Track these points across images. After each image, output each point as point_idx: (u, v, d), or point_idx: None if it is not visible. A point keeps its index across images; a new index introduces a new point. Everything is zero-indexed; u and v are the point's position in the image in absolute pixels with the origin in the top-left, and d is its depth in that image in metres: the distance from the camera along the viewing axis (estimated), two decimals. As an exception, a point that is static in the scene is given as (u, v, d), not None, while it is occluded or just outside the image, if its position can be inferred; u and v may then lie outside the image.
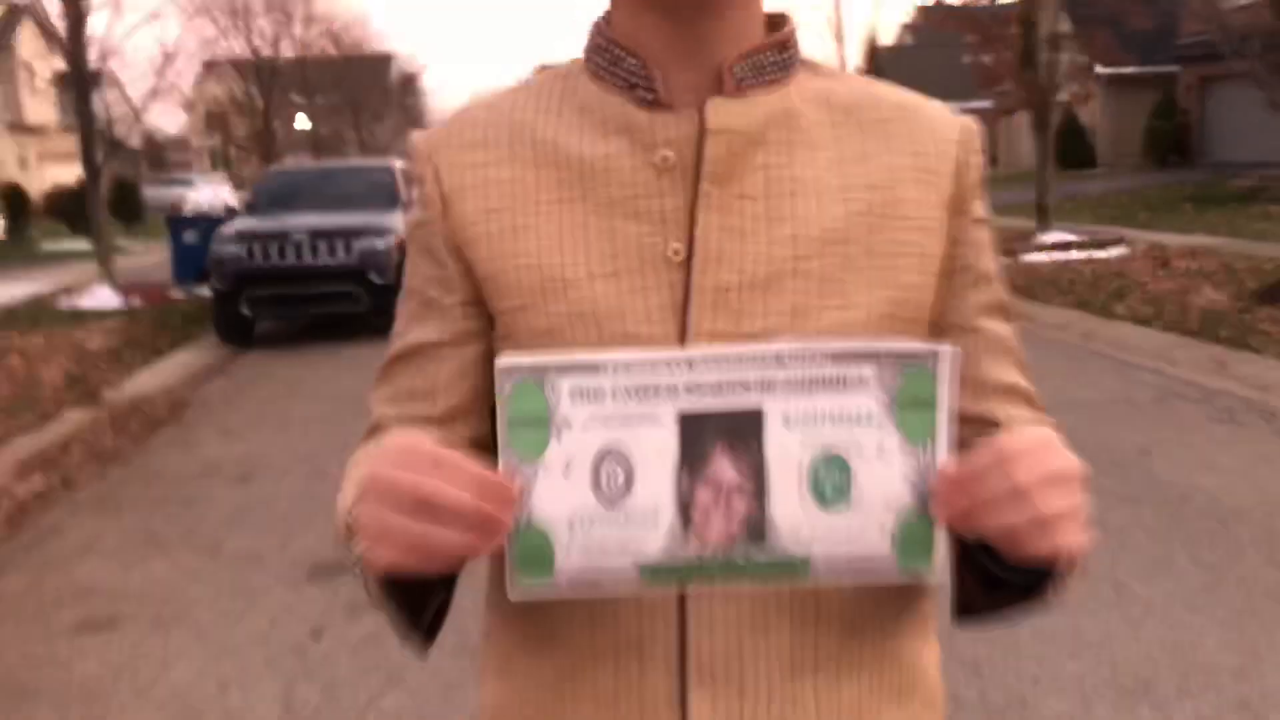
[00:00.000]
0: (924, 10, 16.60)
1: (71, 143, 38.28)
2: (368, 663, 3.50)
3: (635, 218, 0.84)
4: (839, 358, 0.70)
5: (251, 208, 11.58)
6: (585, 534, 0.70)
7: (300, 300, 10.33)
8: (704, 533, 0.70)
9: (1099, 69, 28.25)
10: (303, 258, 10.13)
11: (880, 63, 45.18)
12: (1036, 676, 3.18)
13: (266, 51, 26.69)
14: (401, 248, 10.96)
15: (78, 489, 5.78)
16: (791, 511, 0.70)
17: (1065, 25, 17.73)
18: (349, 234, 10.20)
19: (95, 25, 12.05)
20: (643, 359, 0.70)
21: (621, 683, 0.85)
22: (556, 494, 0.70)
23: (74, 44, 11.87)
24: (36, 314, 11.45)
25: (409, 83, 45.19)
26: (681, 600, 0.83)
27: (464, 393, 0.90)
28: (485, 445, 0.81)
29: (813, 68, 0.90)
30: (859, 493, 0.71)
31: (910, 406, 0.70)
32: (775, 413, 0.70)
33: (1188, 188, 20.58)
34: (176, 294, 12.73)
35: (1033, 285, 10.80)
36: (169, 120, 49.15)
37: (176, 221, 13.69)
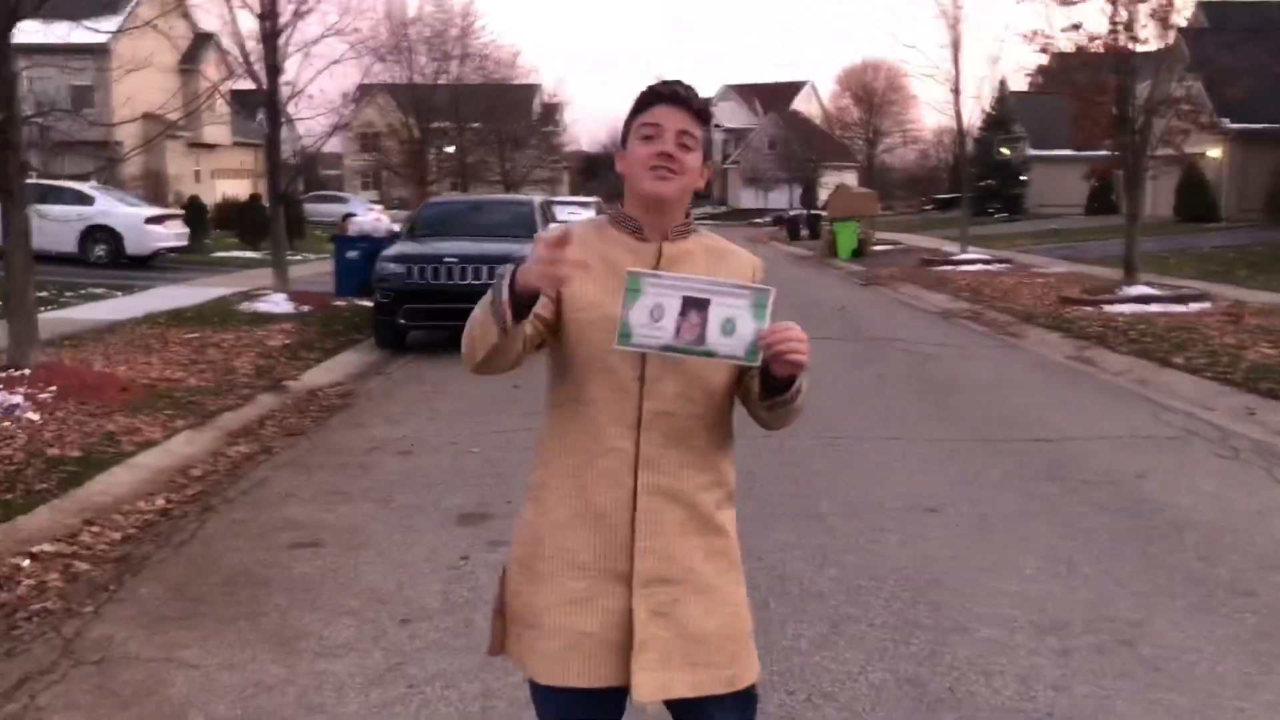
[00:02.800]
0: (1041, 69, 17.40)
1: (239, 158, 41.02)
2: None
3: (620, 280, 2.06)
4: (737, 286, 1.97)
5: (411, 233, 13.30)
6: (645, 331, 1.96)
7: (448, 314, 11.90)
8: (682, 335, 1.95)
9: (1227, 123, 28.37)
10: (452, 278, 11.72)
11: (1008, 108, 45.44)
12: (980, 614, 4.34)
13: (423, 83, 28.85)
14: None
15: (276, 454, 7.32)
16: (714, 336, 1.96)
17: (1189, 82, 18.30)
18: (492, 260, 11.75)
19: (287, 69, 13.90)
20: (673, 278, 1.96)
21: (607, 466, 2.08)
22: (638, 316, 1.95)
23: (271, 82, 13.77)
24: (224, 314, 13.31)
25: (550, 114, 47.43)
26: (634, 449, 2.05)
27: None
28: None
29: (698, 232, 2.18)
30: (738, 332, 1.96)
31: (756, 305, 1.95)
32: (714, 301, 1.96)
33: (1300, 247, 20.78)
34: (339, 303, 14.49)
35: (1106, 334, 11.69)
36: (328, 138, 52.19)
37: (342, 240, 15.54)
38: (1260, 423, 7.86)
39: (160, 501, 6.05)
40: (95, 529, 5.45)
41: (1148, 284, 14.76)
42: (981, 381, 9.80)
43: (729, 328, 1.93)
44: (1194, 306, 13.18)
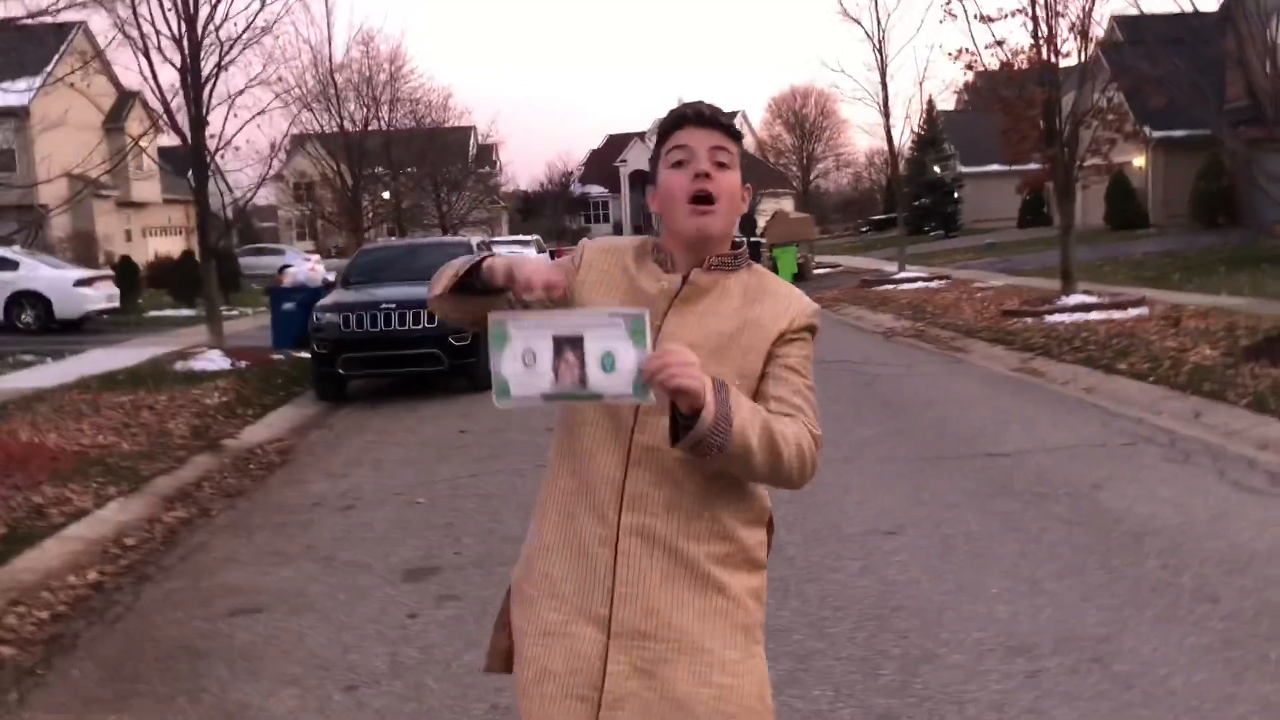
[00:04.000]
0: (968, 86, 17.67)
1: (169, 215, 40.38)
2: (452, 633, 4.66)
3: (641, 301, 1.90)
4: (610, 315, 1.76)
5: (346, 281, 13.06)
6: (522, 380, 1.76)
7: (388, 362, 11.69)
8: (561, 379, 1.76)
9: (1149, 132, 29.00)
10: (390, 325, 11.50)
11: (938, 128, 46.19)
12: (948, 640, 4.23)
13: (354, 130, 28.61)
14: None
15: (213, 517, 7.06)
16: (595, 375, 1.76)
17: (1111, 93, 18.64)
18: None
19: (212, 121, 13.65)
20: (536, 317, 1.76)
21: (596, 499, 1.91)
22: (510, 365, 1.75)
23: (195, 136, 13.50)
24: (158, 375, 12.93)
25: (485, 154, 47.30)
26: (621, 483, 1.89)
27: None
28: None
29: (752, 269, 2.00)
30: (619, 366, 1.76)
31: (633, 333, 1.74)
32: (587, 336, 1.75)
33: (1227, 249, 21.23)
34: (277, 357, 14.18)
35: (1049, 344, 11.76)
36: (259, 190, 51.66)
37: (278, 292, 15.24)
38: (1207, 425, 7.88)
39: (92, 574, 5.77)
40: (20, 609, 5.16)
41: (1086, 292, 14.92)
42: (930, 399, 9.77)
43: (608, 363, 1.73)
44: (1132, 312, 13.32)
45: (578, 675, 1.89)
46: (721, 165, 1.93)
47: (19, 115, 27.57)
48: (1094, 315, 13.38)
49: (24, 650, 4.70)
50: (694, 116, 1.95)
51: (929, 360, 12.55)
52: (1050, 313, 13.93)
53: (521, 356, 1.74)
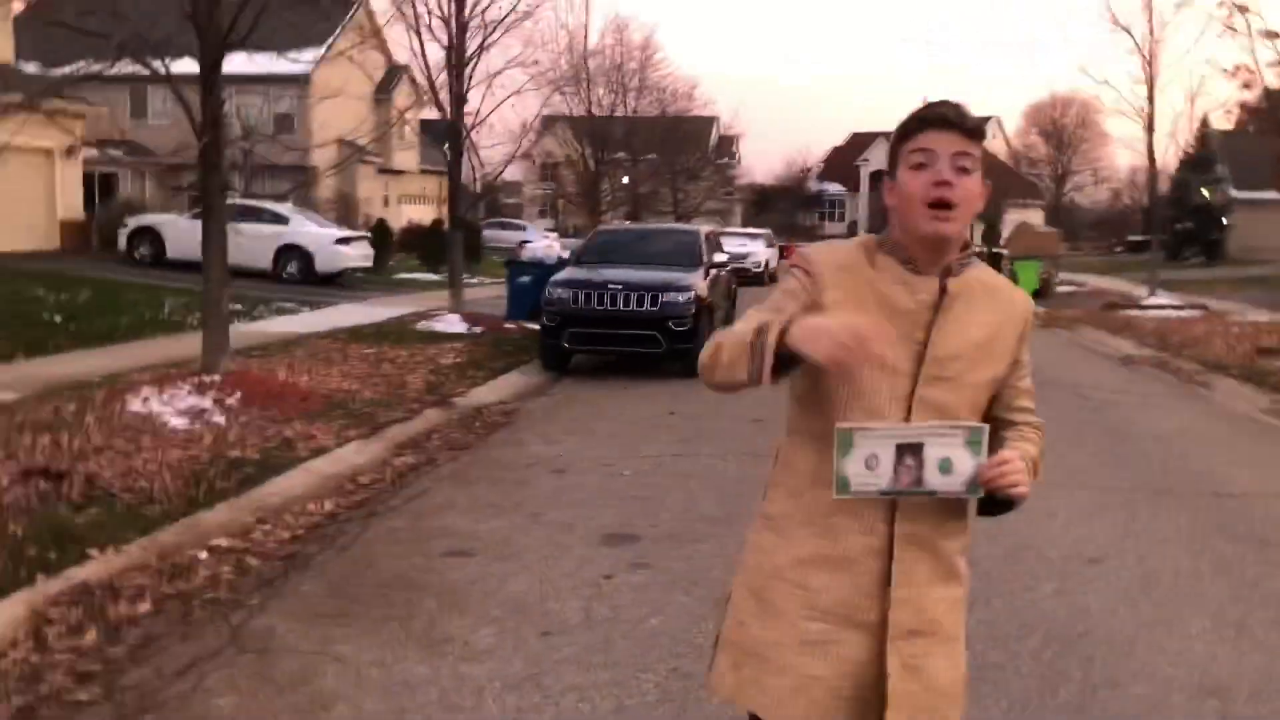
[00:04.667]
0: (1245, 106, 16.50)
1: (424, 185, 42.73)
2: (641, 597, 4.90)
3: (899, 319, 1.96)
4: (949, 427, 1.93)
5: (580, 260, 13.61)
6: (862, 479, 1.93)
7: (610, 339, 12.14)
8: (900, 479, 1.93)
9: None
10: (616, 304, 11.93)
11: (1210, 148, 43.13)
12: (1135, 671, 4.12)
13: (601, 114, 29.54)
14: (699, 300, 12.50)
15: (438, 466, 7.59)
16: (931, 476, 1.92)
17: None
18: (655, 288, 11.91)
19: (471, 99, 14.48)
20: (886, 429, 1.91)
21: (861, 511, 1.97)
22: (853, 467, 1.90)
23: (455, 111, 14.37)
24: (401, 332, 13.90)
25: (725, 146, 47.76)
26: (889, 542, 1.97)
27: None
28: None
29: (974, 264, 2.05)
30: (956, 470, 1.92)
31: (970, 443, 1.91)
32: (928, 444, 1.91)
33: None
34: (509, 326, 14.93)
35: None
36: (507, 169, 53.95)
37: (515, 266, 16.02)
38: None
39: (328, 505, 6.35)
40: (266, 527, 5.77)
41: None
42: (1160, 431, 9.32)
43: (945, 466, 1.91)
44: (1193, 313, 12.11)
45: (845, 679, 1.98)
46: (963, 170, 1.95)
47: (301, 83, 29.92)
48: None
49: (266, 562, 5.27)
50: (938, 120, 1.95)
51: (1167, 393, 11.92)
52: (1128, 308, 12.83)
53: (865, 461, 1.91)
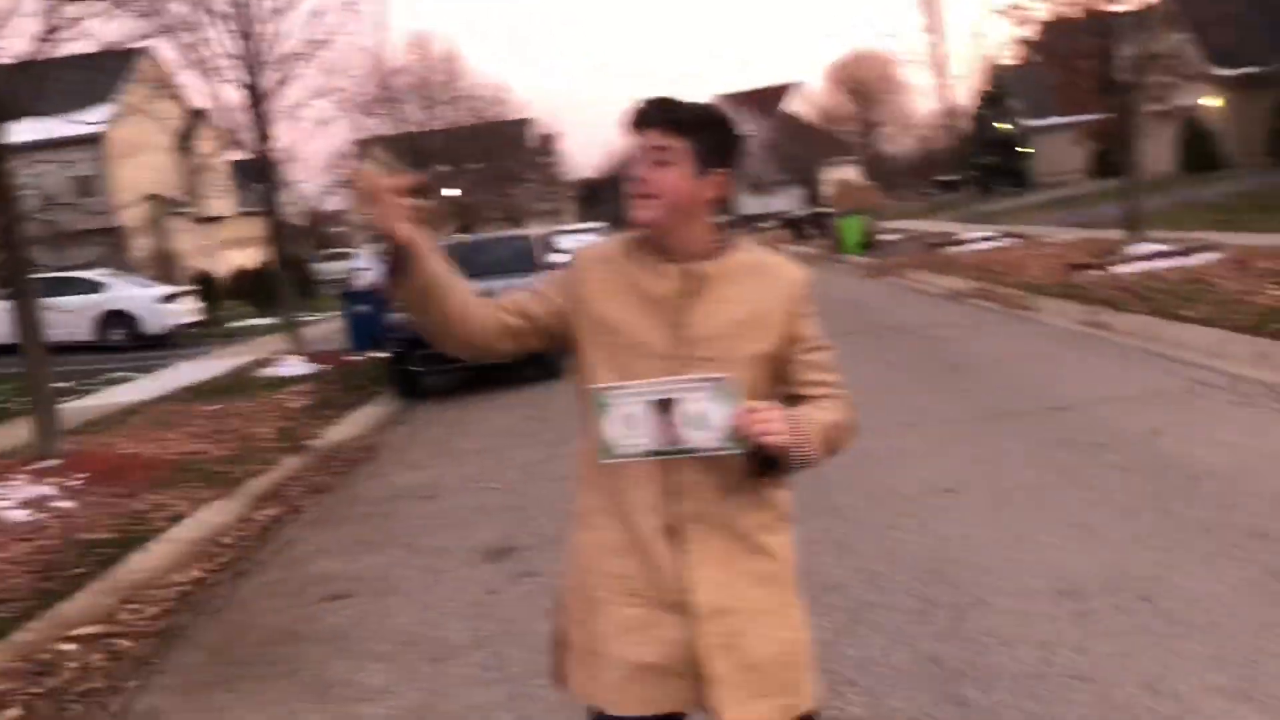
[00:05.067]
0: (1021, 41, 17.38)
1: (246, 228, 41.39)
2: (530, 607, 4.90)
3: (655, 304, 2.04)
4: (700, 380, 1.97)
5: (415, 280, 13.43)
6: (626, 440, 1.98)
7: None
8: (660, 437, 1.98)
9: (1221, 71, 28.23)
10: (460, 319, 11.84)
11: (1002, 84, 45.36)
12: (999, 587, 4.38)
13: (415, 130, 29.19)
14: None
15: (302, 513, 7.44)
16: (689, 432, 1.97)
17: (1174, 36, 18.27)
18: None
19: (277, 135, 14.14)
20: (635, 387, 1.97)
21: (644, 494, 2.03)
22: (614, 429, 1.97)
23: (261, 148, 14.01)
24: (243, 383, 13.48)
25: (546, 145, 47.79)
26: (661, 476, 2.01)
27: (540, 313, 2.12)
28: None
29: (741, 247, 2.11)
30: (711, 423, 1.96)
31: (719, 394, 1.94)
32: (679, 399, 1.96)
33: (1303, 186, 20.67)
34: (355, 358, 14.65)
35: (1115, 296, 11.68)
36: (329, 196, 52.68)
37: (350, 296, 15.72)
38: (1273, 366, 7.84)
39: (195, 572, 6.16)
40: (133, 606, 5.57)
41: (1154, 241, 14.73)
42: (993, 358, 9.83)
43: (700, 421, 1.94)
44: (1201, 258, 13.13)
45: (674, 661, 2.02)
46: (662, 164, 2.03)
47: (96, 143, 28.62)
48: (1161, 264, 13.22)
49: (138, 642, 5.09)
50: (638, 118, 2.07)
51: (995, 320, 12.55)
52: (1118, 264, 13.80)
53: (624, 420, 1.96)
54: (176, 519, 7.14)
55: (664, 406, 1.94)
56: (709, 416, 1.93)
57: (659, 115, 2.05)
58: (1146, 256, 13.79)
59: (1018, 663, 3.69)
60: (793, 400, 2.06)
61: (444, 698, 4.06)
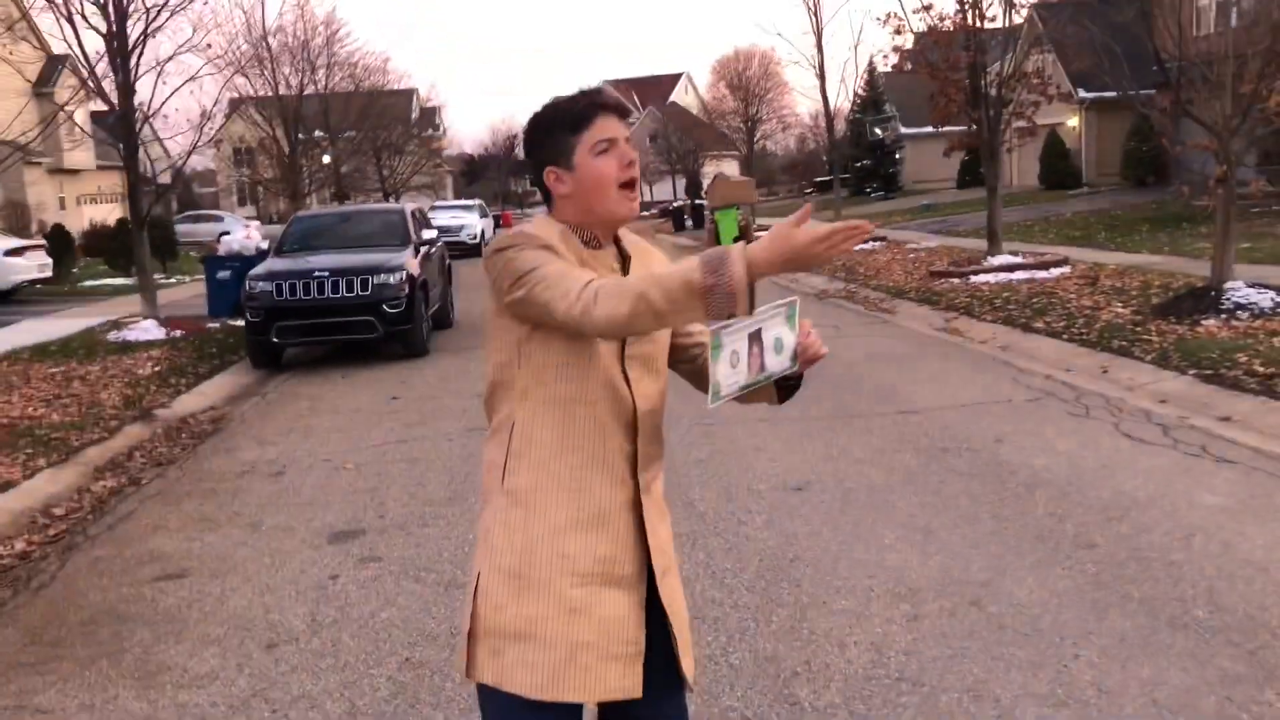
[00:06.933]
0: (899, 50, 17.81)
1: (105, 182, 39.58)
2: (371, 593, 4.83)
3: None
4: (778, 306, 1.99)
5: (281, 249, 13.05)
6: (728, 380, 1.94)
7: (322, 329, 11.75)
8: (752, 370, 1.97)
9: (1081, 93, 29.47)
10: (324, 293, 11.55)
11: (879, 90, 46.48)
12: (839, 587, 4.47)
13: (290, 94, 28.29)
14: (412, 280, 12.30)
15: (143, 486, 7.14)
16: (770, 359, 1.99)
17: (1040, 56, 18.95)
18: (365, 271, 11.62)
19: (141, 88, 13.50)
20: (739, 322, 1.88)
21: (613, 467, 2.04)
22: (723, 370, 1.92)
23: (124, 103, 13.37)
24: (91, 345, 12.88)
25: (427, 118, 46.92)
26: (633, 452, 2.05)
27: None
28: None
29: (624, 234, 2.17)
30: (785, 347, 2.01)
31: (790, 317, 2.00)
32: (764, 328, 1.97)
33: (1152, 208, 21.75)
34: (213, 326, 14.15)
35: (972, 304, 12.09)
36: (197, 157, 50.86)
37: (212, 261, 15.17)
38: (1112, 380, 8.22)
39: (19, 545, 5.86)
40: (-54, 580, 5.26)
41: (1012, 253, 15.29)
42: (851, 359, 10.04)
43: (779, 345, 2.01)
44: (1055, 272, 13.69)
45: (611, 640, 2.01)
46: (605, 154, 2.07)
47: (-58, 81, 26.87)
48: (1018, 275, 13.74)
49: (-51, 618, 4.80)
50: (615, 106, 2.07)
51: (856, 321, 12.84)
52: (976, 273, 14.27)
53: (730, 359, 1.94)
54: (5, 486, 6.78)
55: (755, 337, 1.97)
56: (784, 340, 2.01)
57: (620, 107, 2.10)
58: (1004, 268, 14.29)
59: (850, 664, 3.77)
60: (679, 349, 2.22)
61: (274, 685, 3.94)
